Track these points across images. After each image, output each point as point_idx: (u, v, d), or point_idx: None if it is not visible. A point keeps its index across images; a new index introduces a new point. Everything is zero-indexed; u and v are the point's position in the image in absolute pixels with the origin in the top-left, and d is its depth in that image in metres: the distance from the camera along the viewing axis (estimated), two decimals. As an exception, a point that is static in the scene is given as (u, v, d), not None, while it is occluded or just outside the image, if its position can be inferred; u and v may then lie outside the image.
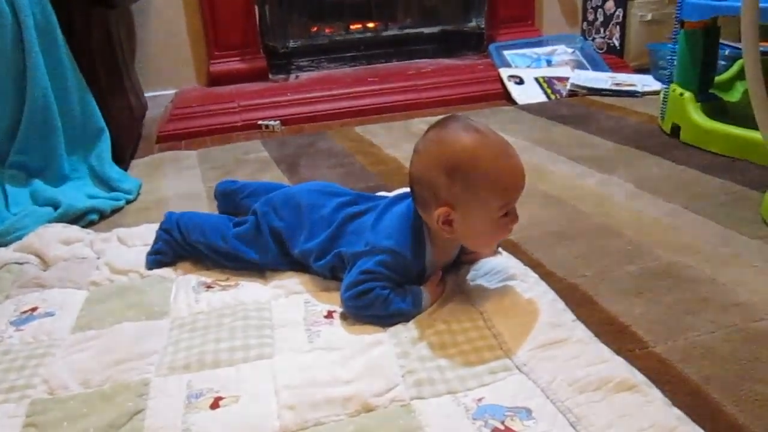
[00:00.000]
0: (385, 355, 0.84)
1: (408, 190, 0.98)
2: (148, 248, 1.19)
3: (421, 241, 0.95)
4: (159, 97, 2.53)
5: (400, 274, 0.94)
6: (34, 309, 1.03)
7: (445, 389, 0.77)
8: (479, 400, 0.75)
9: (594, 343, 0.83)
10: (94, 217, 1.44)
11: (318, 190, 1.12)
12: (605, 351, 0.81)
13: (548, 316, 0.88)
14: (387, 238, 0.95)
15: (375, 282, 0.91)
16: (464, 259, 1.05)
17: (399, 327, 0.90)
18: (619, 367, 0.77)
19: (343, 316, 0.95)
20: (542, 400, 0.74)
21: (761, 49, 1.16)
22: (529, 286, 0.97)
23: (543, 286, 0.98)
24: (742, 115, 1.57)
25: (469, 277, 1.02)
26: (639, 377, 0.76)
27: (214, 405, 0.77)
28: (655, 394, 0.73)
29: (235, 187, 1.27)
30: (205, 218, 1.18)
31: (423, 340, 0.87)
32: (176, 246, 1.14)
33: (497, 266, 1.03)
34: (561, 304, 0.93)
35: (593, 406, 0.72)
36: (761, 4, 1.12)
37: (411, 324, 0.91)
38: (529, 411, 0.73)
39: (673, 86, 1.80)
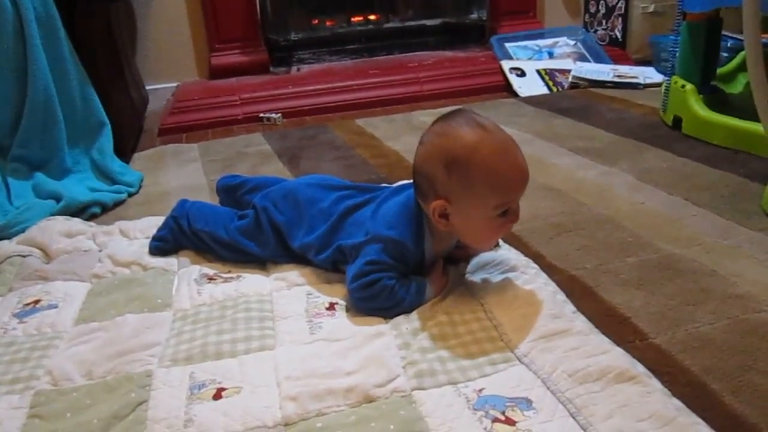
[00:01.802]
0: (386, 346, 0.85)
1: (408, 181, 0.98)
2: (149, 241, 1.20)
3: (420, 230, 0.95)
4: (160, 90, 2.53)
5: (401, 261, 0.94)
6: (37, 301, 1.04)
7: (446, 380, 0.78)
8: (480, 390, 0.76)
9: (594, 335, 0.83)
10: (97, 210, 1.45)
11: (316, 183, 1.12)
12: (605, 342, 0.81)
13: (549, 308, 0.88)
14: (386, 227, 0.95)
15: (381, 273, 0.92)
16: (457, 254, 1.04)
17: (400, 318, 0.91)
18: (619, 359, 0.77)
19: (345, 308, 0.95)
20: (543, 390, 0.75)
21: (763, 40, 1.16)
22: (530, 277, 0.97)
23: (543, 277, 0.99)
24: (744, 107, 1.57)
25: (470, 268, 1.03)
26: (639, 368, 0.76)
27: (217, 396, 0.78)
28: (655, 384, 0.73)
29: (236, 182, 1.27)
30: (212, 208, 1.20)
31: (424, 331, 0.87)
32: (180, 235, 1.16)
33: (498, 258, 1.04)
34: (561, 296, 0.94)
35: (593, 397, 0.72)
36: (763, -4, 1.12)
37: (412, 315, 0.91)
38: (529, 401, 0.73)
39: (675, 78, 1.80)
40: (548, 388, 0.75)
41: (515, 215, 0.90)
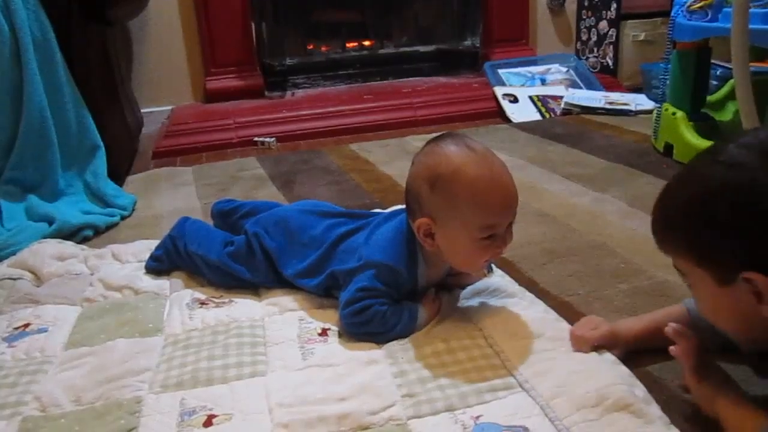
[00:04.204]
0: (381, 374, 0.84)
1: (401, 207, 0.98)
2: (142, 264, 1.20)
3: (413, 256, 0.95)
4: (155, 113, 2.54)
5: (394, 287, 0.94)
6: (26, 325, 1.02)
7: (443, 406, 0.77)
8: (477, 417, 0.75)
9: (594, 361, 0.83)
10: (89, 233, 1.44)
11: (308, 210, 1.12)
12: (605, 369, 0.81)
13: (550, 334, 0.88)
14: (380, 253, 0.95)
15: (373, 299, 0.91)
16: (450, 281, 1.04)
17: (396, 346, 0.90)
18: (618, 386, 0.76)
19: (338, 334, 0.95)
20: (540, 419, 0.74)
21: (751, 69, 1.18)
22: (528, 303, 0.98)
23: (541, 305, 0.98)
24: (733, 135, 1.59)
25: (465, 294, 1.02)
26: (638, 393, 0.76)
27: (207, 423, 0.77)
28: (654, 412, 0.73)
29: (231, 207, 1.26)
30: (208, 231, 1.19)
31: (421, 359, 0.86)
32: (175, 255, 1.16)
33: (494, 284, 1.04)
34: (564, 324, 0.92)
35: (591, 425, 0.71)
36: (750, 26, 1.14)
37: (408, 343, 0.90)
38: (526, 430, 0.72)
39: (666, 105, 1.82)
40: (546, 416, 0.74)
41: (503, 241, 0.89)
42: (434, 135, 0.95)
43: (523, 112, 2.45)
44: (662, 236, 0.74)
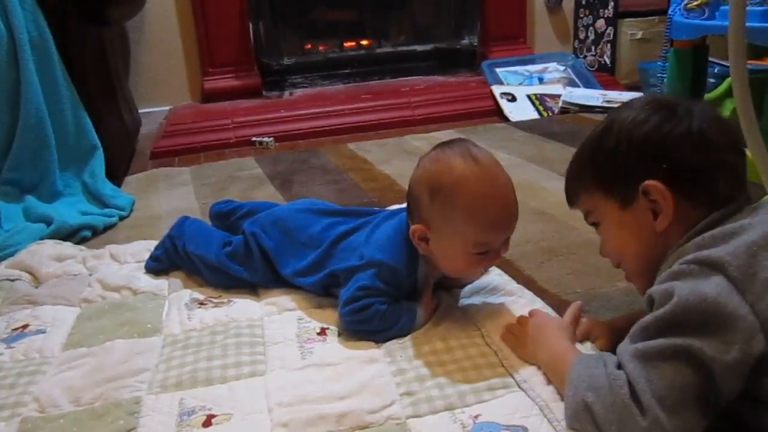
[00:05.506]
0: (380, 372, 0.84)
1: (402, 205, 0.98)
2: (140, 265, 1.20)
3: (414, 255, 0.95)
4: (153, 113, 2.53)
5: (394, 287, 0.94)
6: (25, 326, 1.02)
7: (442, 405, 0.77)
8: (476, 417, 0.75)
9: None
10: (87, 233, 1.44)
11: (306, 209, 1.11)
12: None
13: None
14: (381, 252, 0.94)
15: (373, 298, 0.91)
16: (448, 281, 1.04)
17: (395, 345, 0.90)
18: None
19: (337, 333, 0.95)
20: (539, 419, 0.74)
21: (749, 67, 1.18)
22: (527, 301, 0.97)
23: (540, 303, 0.98)
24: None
25: (464, 293, 1.02)
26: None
27: (207, 423, 0.77)
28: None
29: (229, 208, 1.26)
30: (207, 231, 1.19)
31: (420, 357, 0.87)
32: (174, 255, 1.16)
33: (492, 282, 1.04)
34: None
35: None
36: (747, 24, 1.14)
37: (407, 341, 0.90)
38: (525, 430, 0.72)
39: (664, 104, 1.82)
40: (545, 416, 0.74)
41: (497, 254, 0.90)
42: (432, 134, 0.95)
43: (520, 110, 2.45)
44: (573, 184, 0.83)
